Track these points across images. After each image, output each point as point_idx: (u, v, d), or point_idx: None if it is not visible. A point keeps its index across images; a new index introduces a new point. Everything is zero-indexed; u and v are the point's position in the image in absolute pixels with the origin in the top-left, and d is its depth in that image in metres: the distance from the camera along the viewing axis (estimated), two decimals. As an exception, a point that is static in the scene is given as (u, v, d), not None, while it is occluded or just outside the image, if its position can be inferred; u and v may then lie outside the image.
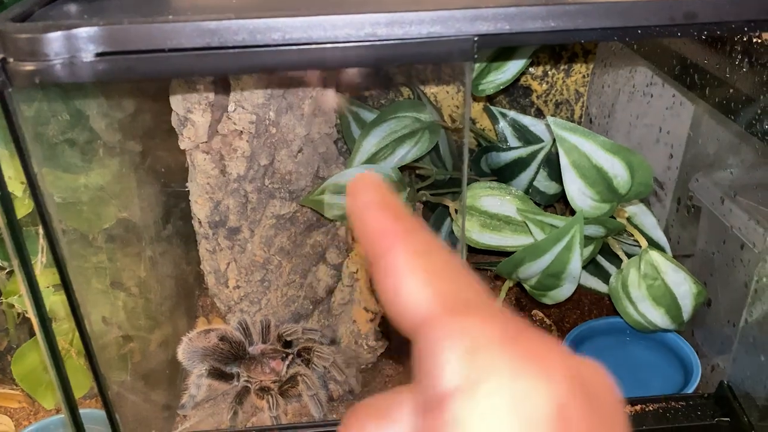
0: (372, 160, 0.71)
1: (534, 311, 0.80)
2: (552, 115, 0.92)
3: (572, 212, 0.62)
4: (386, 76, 0.89)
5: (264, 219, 0.70)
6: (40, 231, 0.55)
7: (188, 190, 0.69)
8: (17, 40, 0.36)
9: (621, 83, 0.83)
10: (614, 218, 0.64)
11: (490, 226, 0.64)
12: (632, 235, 0.66)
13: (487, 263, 0.82)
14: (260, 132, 0.65)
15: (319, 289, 0.76)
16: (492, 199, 0.64)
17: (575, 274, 0.62)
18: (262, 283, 0.72)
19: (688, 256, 0.73)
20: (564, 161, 0.60)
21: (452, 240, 0.78)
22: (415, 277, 0.18)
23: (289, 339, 0.70)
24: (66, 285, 0.45)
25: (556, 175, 0.70)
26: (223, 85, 0.64)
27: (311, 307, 0.76)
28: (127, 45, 0.37)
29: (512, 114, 0.77)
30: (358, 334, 0.72)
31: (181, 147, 0.66)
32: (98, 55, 0.37)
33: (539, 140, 0.75)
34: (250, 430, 0.64)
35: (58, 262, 0.45)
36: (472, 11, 0.38)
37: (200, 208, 0.68)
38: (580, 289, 0.70)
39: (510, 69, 0.70)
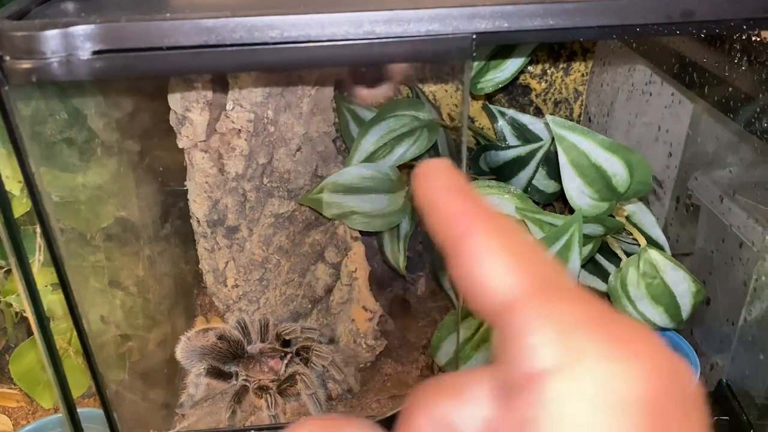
0: (371, 158, 0.71)
1: (533, 310, 0.80)
2: (551, 114, 0.92)
3: (571, 211, 0.62)
4: (385, 74, 0.89)
5: (262, 218, 0.70)
6: (38, 230, 0.55)
7: (186, 189, 0.69)
8: (14, 38, 0.36)
9: (620, 82, 0.83)
10: (613, 217, 0.64)
11: (489, 225, 0.64)
12: (631, 234, 0.66)
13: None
14: (258, 131, 0.65)
15: (317, 288, 0.76)
16: (491, 197, 0.64)
17: (574, 273, 0.62)
18: (261, 282, 0.72)
19: (687, 254, 0.73)
20: (563, 160, 0.60)
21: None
22: (499, 258, 0.18)
23: (287, 338, 0.70)
24: (64, 284, 0.45)
25: (554, 173, 0.70)
26: (221, 83, 0.64)
27: (310, 306, 0.76)
28: (124, 43, 0.37)
29: (511, 112, 0.77)
30: (357, 333, 0.72)
31: (180, 146, 0.66)
32: (95, 53, 0.37)
33: (538, 139, 0.75)
34: (249, 429, 0.64)
35: (55, 261, 0.45)
36: (470, 9, 0.38)
37: (199, 207, 0.68)
38: (579, 288, 0.70)
39: (509, 67, 0.70)
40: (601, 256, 0.73)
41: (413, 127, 0.73)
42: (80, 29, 0.36)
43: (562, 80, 0.91)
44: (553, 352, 0.16)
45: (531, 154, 0.72)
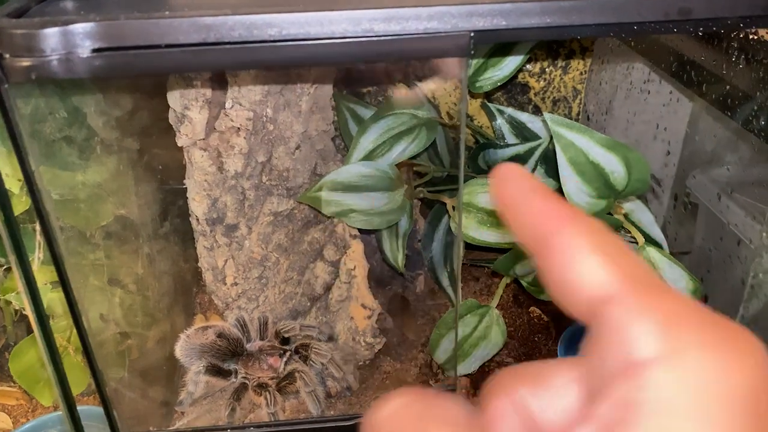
0: (369, 156, 0.71)
1: (531, 308, 0.81)
2: (549, 112, 0.92)
3: (569, 209, 0.62)
4: (384, 72, 0.89)
5: (261, 216, 0.70)
6: (38, 228, 0.55)
7: (186, 187, 0.69)
8: (13, 35, 0.36)
9: (618, 80, 0.83)
10: (611, 215, 0.64)
11: (488, 223, 0.64)
12: (629, 232, 0.66)
13: (484, 260, 0.83)
14: (258, 129, 0.65)
15: (316, 286, 0.76)
16: (489, 196, 0.64)
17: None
18: (260, 280, 0.72)
19: (685, 252, 0.73)
20: (561, 158, 0.60)
21: (449, 237, 0.78)
22: (593, 255, 0.18)
23: (286, 336, 0.70)
24: (63, 282, 0.45)
25: (553, 171, 0.70)
26: (220, 81, 0.64)
27: (309, 303, 0.76)
28: (123, 41, 0.37)
29: (509, 111, 0.77)
30: (356, 330, 0.72)
31: (179, 144, 0.66)
32: (95, 51, 0.37)
33: (536, 137, 0.75)
34: (248, 426, 0.64)
35: (55, 259, 0.45)
36: (468, 7, 0.38)
37: (198, 205, 0.68)
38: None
39: (507, 66, 0.70)
40: (600, 254, 0.73)
41: (412, 126, 0.73)
42: (80, 27, 0.36)
43: (561, 78, 0.91)
44: (657, 341, 0.16)
45: (529, 153, 0.72)
